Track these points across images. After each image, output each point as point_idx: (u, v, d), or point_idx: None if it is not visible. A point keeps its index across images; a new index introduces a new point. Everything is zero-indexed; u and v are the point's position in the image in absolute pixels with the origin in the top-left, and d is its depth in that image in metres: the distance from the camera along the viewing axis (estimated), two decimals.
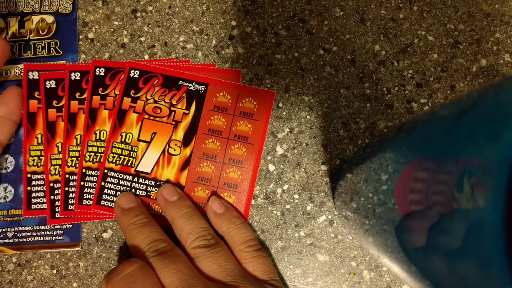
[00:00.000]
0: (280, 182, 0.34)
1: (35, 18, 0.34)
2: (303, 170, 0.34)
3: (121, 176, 0.33)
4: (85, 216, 0.32)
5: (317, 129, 0.34)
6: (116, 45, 0.34)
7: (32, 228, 0.32)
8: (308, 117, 0.34)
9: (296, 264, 0.33)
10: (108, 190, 0.32)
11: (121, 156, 0.33)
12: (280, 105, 0.34)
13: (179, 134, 0.33)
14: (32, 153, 0.33)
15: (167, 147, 0.33)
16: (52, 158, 0.33)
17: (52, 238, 0.32)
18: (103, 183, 0.32)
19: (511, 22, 0.35)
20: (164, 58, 0.35)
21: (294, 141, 0.34)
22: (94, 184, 0.33)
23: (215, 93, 0.34)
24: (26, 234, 0.32)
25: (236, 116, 0.34)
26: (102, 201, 0.32)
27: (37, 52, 0.34)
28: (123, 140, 0.33)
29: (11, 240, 0.32)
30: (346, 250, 0.33)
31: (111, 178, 0.33)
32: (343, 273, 0.33)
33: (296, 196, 0.34)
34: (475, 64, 0.35)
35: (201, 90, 0.34)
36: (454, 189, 0.14)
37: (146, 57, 0.34)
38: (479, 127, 0.14)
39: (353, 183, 0.27)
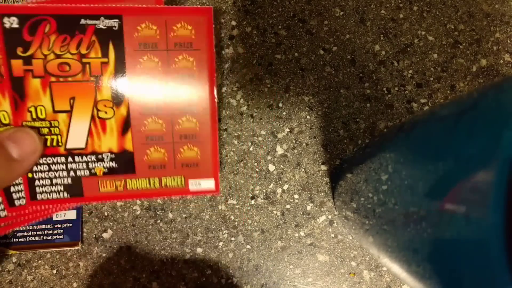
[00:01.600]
0: (280, 182, 0.34)
1: None
2: (303, 170, 0.34)
3: (50, 160, 0.27)
4: (23, 219, 0.28)
5: (317, 129, 0.34)
6: None
7: (31, 228, 0.32)
8: (308, 117, 0.34)
9: (296, 264, 0.33)
10: (41, 181, 0.27)
11: (41, 137, 0.26)
12: (280, 105, 0.34)
13: (105, 92, 0.26)
14: None
15: (95, 111, 0.26)
16: None
17: (51, 237, 0.32)
18: (30, 175, 0.26)
19: (511, 22, 0.35)
20: None
21: (294, 141, 0.34)
22: (20, 180, 0.27)
23: (135, 26, 0.26)
24: (25, 233, 0.32)
25: (172, 51, 0.27)
26: (37, 195, 0.27)
27: None
28: (34, 116, 0.26)
29: (11, 240, 0.32)
30: (346, 250, 0.33)
31: (39, 166, 0.26)
32: (343, 273, 0.33)
33: (296, 196, 0.34)
34: (475, 64, 0.35)
35: (115, 26, 0.26)
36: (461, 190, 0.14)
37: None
38: (479, 127, 0.14)
39: (353, 183, 0.27)
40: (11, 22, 0.25)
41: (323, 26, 0.35)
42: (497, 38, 0.35)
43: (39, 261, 0.32)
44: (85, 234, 0.33)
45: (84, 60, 0.26)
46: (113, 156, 0.27)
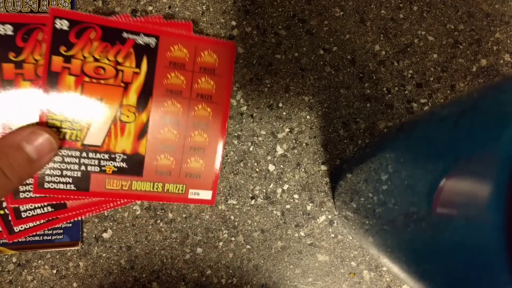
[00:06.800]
0: (280, 182, 0.34)
1: None
2: (303, 170, 0.34)
3: (64, 152, 0.28)
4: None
5: (317, 129, 0.34)
6: None
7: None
8: (308, 117, 0.34)
9: (296, 264, 0.33)
10: (52, 171, 0.28)
11: (61, 130, 0.28)
12: (280, 105, 0.34)
13: (132, 98, 0.29)
14: None
15: (118, 114, 0.28)
16: None
17: (51, 237, 0.32)
18: None
19: (511, 22, 0.35)
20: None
21: (294, 141, 0.34)
22: None
23: (169, 46, 0.29)
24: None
25: (196, 73, 0.30)
26: (45, 184, 0.28)
27: None
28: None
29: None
30: (346, 250, 0.33)
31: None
32: (343, 273, 0.33)
33: (296, 196, 0.34)
34: (475, 64, 0.35)
35: (152, 44, 0.29)
36: (456, 188, 0.14)
37: None
38: (479, 127, 0.14)
39: (353, 183, 0.27)
40: (62, 24, 0.27)
41: (323, 26, 0.35)
42: (497, 38, 0.35)
43: (39, 261, 0.32)
44: (85, 234, 0.33)
45: (118, 67, 0.28)
46: (125, 157, 0.29)
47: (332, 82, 0.35)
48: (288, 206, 0.34)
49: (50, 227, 0.31)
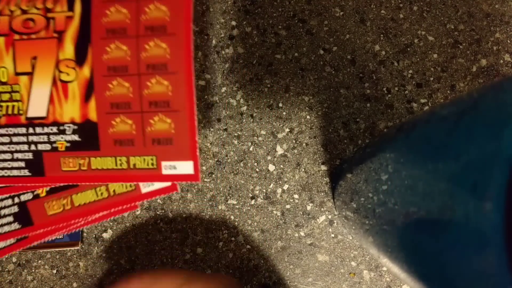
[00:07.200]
0: (280, 182, 0.34)
1: None
2: (303, 170, 0.34)
3: (10, 130, 0.24)
4: None
5: (317, 129, 0.34)
6: None
7: None
8: (308, 117, 0.34)
9: (296, 264, 0.33)
10: (3, 155, 0.25)
11: (2, 104, 0.24)
12: (280, 105, 0.34)
13: (68, 50, 0.24)
14: None
15: (56, 72, 0.24)
16: None
17: (51, 237, 0.32)
18: None
19: (511, 22, 0.35)
20: None
21: (294, 141, 0.34)
22: None
23: None
24: None
25: (143, 1, 0.23)
26: None
27: None
28: None
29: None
30: (346, 250, 0.33)
31: (1, 138, 0.25)
32: (343, 273, 0.33)
33: (296, 196, 0.34)
34: (475, 64, 0.35)
35: None
36: (456, 190, 0.14)
37: None
38: (479, 127, 0.14)
39: (353, 183, 0.27)
40: None
41: (323, 26, 0.35)
42: (497, 38, 0.35)
43: (39, 261, 0.32)
44: (85, 234, 0.33)
45: (49, 14, 0.24)
46: (75, 127, 0.24)
47: (332, 82, 0.35)
48: (288, 206, 0.34)
49: (22, 248, 0.29)
